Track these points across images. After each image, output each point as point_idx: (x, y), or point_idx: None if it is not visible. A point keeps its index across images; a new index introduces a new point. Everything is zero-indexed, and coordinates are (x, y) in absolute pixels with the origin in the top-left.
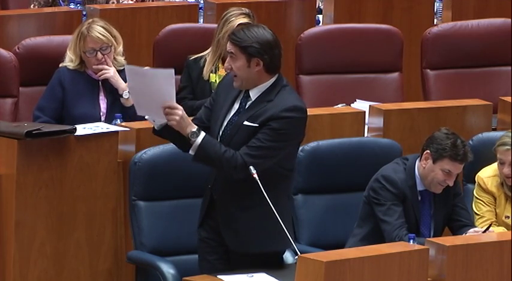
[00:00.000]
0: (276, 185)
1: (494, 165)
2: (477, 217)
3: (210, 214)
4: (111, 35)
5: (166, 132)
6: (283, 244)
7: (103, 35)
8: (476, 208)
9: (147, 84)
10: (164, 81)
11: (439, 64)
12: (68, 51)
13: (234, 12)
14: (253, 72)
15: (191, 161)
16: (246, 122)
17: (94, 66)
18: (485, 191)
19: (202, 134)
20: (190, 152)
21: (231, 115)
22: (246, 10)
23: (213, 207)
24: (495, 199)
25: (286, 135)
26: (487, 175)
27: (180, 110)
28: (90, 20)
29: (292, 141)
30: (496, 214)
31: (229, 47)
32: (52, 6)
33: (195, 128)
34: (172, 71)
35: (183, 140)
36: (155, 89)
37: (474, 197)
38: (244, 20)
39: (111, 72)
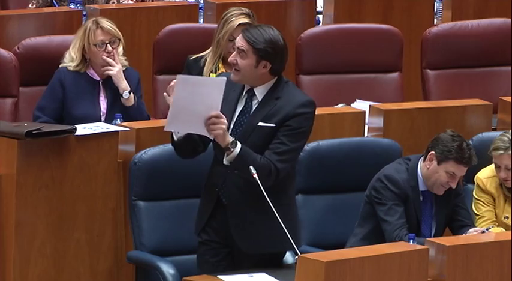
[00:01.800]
0: (285, 184)
1: (493, 165)
2: (477, 217)
3: (215, 216)
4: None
5: (184, 143)
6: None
7: (112, 28)
8: (475, 209)
9: (195, 93)
10: (214, 90)
11: (439, 64)
12: (70, 50)
13: (234, 12)
14: (258, 73)
15: (229, 171)
16: (260, 123)
17: (103, 57)
18: (484, 191)
19: (239, 143)
20: (225, 162)
21: (236, 116)
22: (246, 10)
23: (218, 209)
24: (494, 199)
25: (305, 133)
26: (486, 175)
27: (225, 120)
28: (94, 18)
29: (308, 136)
30: (495, 214)
31: (241, 43)
32: (50, 6)
33: (232, 138)
34: (225, 79)
35: (192, 148)
36: (202, 99)
37: (473, 198)
38: (244, 20)
39: (114, 70)
